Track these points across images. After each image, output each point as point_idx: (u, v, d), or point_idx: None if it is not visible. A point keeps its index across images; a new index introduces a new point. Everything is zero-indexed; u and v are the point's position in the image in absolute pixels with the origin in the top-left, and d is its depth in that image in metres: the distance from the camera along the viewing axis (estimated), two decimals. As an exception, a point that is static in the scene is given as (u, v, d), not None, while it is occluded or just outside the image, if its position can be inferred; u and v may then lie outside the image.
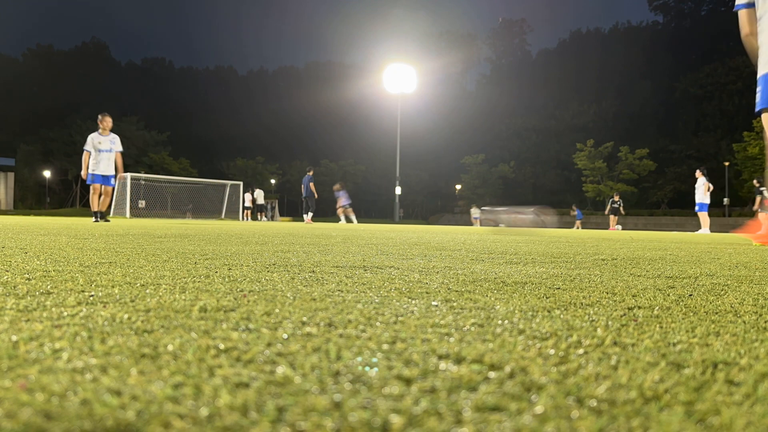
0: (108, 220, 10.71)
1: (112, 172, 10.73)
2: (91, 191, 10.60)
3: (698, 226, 17.79)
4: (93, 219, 10.57)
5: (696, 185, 15.62)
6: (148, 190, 30.95)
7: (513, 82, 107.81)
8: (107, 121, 10.65)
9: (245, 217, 28.76)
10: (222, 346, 0.80)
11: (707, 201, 15.24)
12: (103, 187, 10.66)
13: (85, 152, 10.60)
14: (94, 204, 10.58)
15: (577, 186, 65.19)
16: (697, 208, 15.35)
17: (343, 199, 20.46)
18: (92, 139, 10.58)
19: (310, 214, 19.05)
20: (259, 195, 29.25)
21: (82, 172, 10.63)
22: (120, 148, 10.85)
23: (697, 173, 15.75)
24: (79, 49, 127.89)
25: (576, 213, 33.44)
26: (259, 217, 29.01)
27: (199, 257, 2.41)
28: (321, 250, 3.14)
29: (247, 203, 28.89)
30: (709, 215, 15.63)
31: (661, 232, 13.73)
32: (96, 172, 10.56)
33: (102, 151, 10.60)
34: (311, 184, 19.00)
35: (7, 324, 0.92)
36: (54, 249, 2.67)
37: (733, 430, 0.53)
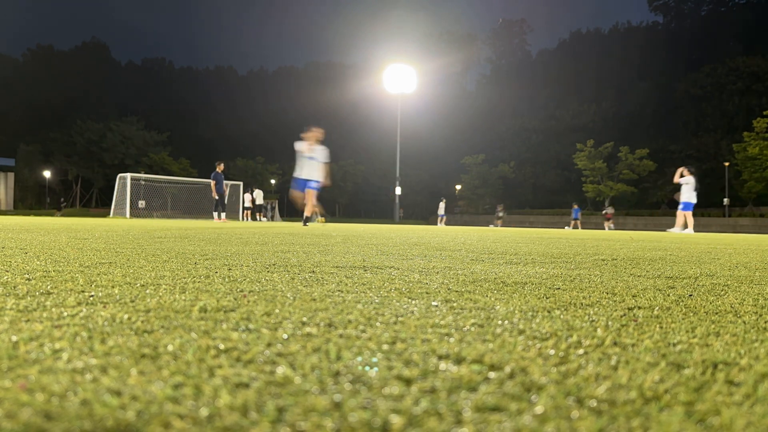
0: (306, 225, 11.09)
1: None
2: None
3: (699, 227, 17.81)
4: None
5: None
6: (148, 190, 30.92)
7: (513, 83, 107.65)
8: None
9: (245, 218, 28.75)
10: (222, 347, 0.80)
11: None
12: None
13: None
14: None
15: (577, 186, 65.12)
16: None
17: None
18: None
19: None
20: (258, 195, 29.17)
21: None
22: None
23: (684, 171, 15.04)
24: (79, 49, 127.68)
25: (573, 211, 32.64)
26: (258, 217, 28.97)
27: (199, 257, 2.41)
28: (321, 250, 3.14)
29: (247, 203, 28.87)
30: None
31: (661, 233, 13.71)
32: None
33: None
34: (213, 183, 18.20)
35: (7, 324, 0.92)
36: (54, 249, 2.67)
37: (733, 431, 0.53)
